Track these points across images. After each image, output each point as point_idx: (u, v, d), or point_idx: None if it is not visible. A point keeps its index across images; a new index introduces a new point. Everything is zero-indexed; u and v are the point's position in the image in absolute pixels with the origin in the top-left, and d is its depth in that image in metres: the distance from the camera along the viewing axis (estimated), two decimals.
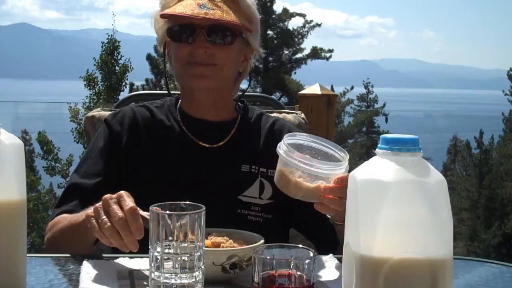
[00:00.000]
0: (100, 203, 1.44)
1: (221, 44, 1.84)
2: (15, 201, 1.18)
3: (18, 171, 1.19)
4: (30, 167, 25.71)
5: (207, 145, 1.90)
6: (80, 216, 1.59)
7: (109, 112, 2.16)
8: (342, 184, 1.47)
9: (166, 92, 2.12)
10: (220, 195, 1.79)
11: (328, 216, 1.64)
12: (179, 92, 2.02)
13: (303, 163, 1.48)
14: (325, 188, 1.48)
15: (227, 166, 1.88)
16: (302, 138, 1.57)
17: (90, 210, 1.46)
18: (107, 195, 1.44)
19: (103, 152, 1.88)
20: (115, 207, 1.39)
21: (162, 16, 1.87)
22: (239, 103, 2.04)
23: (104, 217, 1.40)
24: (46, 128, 19.99)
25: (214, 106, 1.93)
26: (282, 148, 1.51)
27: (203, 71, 1.84)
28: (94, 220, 1.43)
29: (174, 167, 1.86)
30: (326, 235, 1.84)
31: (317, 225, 1.89)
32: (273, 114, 2.34)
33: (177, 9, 1.82)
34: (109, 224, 1.38)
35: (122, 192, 1.43)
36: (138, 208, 1.38)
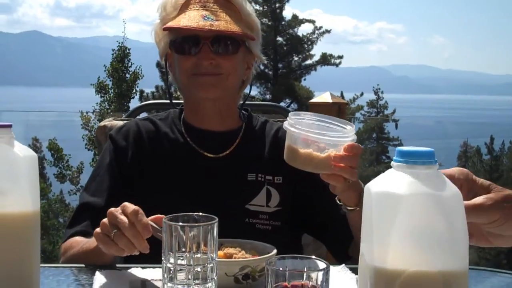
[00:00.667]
0: (106, 218, 1.44)
1: (226, 54, 1.84)
2: (29, 212, 1.19)
3: (32, 183, 1.20)
4: (41, 174, 25.78)
5: (212, 155, 1.90)
6: (92, 242, 1.59)
7: (120, 122, 2.17)
8: (352, 151, 1.49)
9: (176, 101, 2.12)
10: (227, 205, 1.78)
11: (339, 203, 1.64)
12: (182, 102, 2.02)
13: (312, 132, 1.47)
14: (335, 157, 1.48)
15: (233, 175, 1.88)
16: (307, 116, 1.55)
17: (97, 229, 1.46)
18: (111, 209, 1.44)
19: (110, 169, 1.89)
20: (122, 217, 1.40)
21: (166, 29, 1.86)
22: (243, 111, 2.04)
23: (115, 230, 1.40)
24: (57, 136, 20.08)
25: (219, 115, 1.93)
26: (288, 122, 1.51)
27: (210, 81, 1.84)
28: (105, 236, 1.43)
29: (180, 179, 1.86)
30: (340, 232, 1.83)
31: (330, 223, 1.87)
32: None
33: (182, 21, 1.82)
34: (122, 235, 1.39)
35: (124, 203, 1.44)
36: (141, 210, 1.39)
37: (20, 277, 1.19)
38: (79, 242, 1.72)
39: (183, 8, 1.87)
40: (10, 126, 1.18)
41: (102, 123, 2.29)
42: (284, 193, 1.89)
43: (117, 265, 1.56)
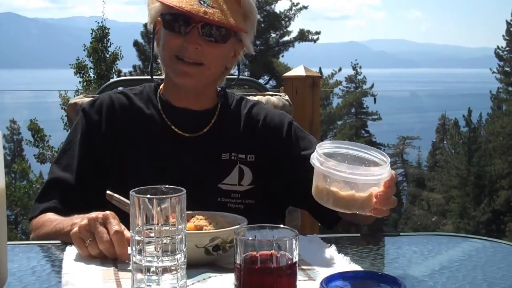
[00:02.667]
0: (86, 221, 1.42)
1: (214, 42, 1.80)
2: None
3: None
4: (20, 156, 25.64)
5: (187, 135, 1.88)
6: (65, 225, 1.57)
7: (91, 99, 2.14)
8: (392, 184, 1.45)
9: (149, 77, 2.09)
10: (200, 185, 1.77)
11: None
12: (162, 77, 1.99)
13: (355, 174, 1.37)
14: (380, 195, 1.43)
15: (208, 155, 1.87)
16: (336, 149, 1.46)
17: (75, 228, 1.44)
18: (93, 216, 1.43)
19: (82, 144, 1.86)
20: (101, 229, 1.40)
21: (161, 2, 1.80)
22: (219, 88, 2.01)
23: (91, 238, 1.40)
24: (34, 117, 19.91)
25: (196, 95, 1.90)
26: (318, 160, 1.41)
27: (189, 71, 1.81)
28: (80, 240, 1.42)
29: (154, 157, 1.84)
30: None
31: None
32: (257, 97, 2.34)
33: (175, 2, 1.75)
34: (96, 246, 1.39)
35: (108, 213, 1.43)
36: (125, 231, 1.39)
37: None
38: (52, 221, 1.70)
39: None
40: None
41: (73, 100, 2.26)
42: (257, 171, 1.88)
43: None
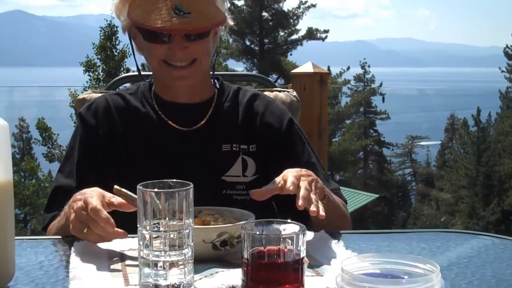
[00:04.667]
0: (73, 214, 1.44)
1: (199, 39, 1.78)
2: (1, 182, 1.17)
3: (3, 152, 1.18)
4: (29, 154, 25.72)
5: (185, 129, 1.87)
6: (61, 218, 1.61)
7: (99, 95, 2.14)
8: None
9: (147, 73, 2.08)
10: (203, 178, 1.71)
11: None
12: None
13: None
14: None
15: (208, 148, 1.86)
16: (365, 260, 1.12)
17: (71, 225, 1.45)
18: (78, 205, 1.43)
19: (82, 148, 1.87)
20: (88, 216, 1.39)
21: (135, 23, 1.78)
22: (215, 79, 1.99)
23: (86, 227, 1.41)
24: (44, 115, 19.99)
25: (191, 90, 1.89)
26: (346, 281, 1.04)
27: (183, 74, 1.80)
28: (80, 233, 1.43)
29: (154, 155, 1.84)
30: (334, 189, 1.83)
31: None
32: (264, 93, 2.33)
33: (151, 18, 1.71)
34: (92, 232, 1.40)
35: (86, 197, 1.43)
36: (99, 205, 1.39)
37: None
38: (56, 223, 1.72)
39: None
40: None
41: (81, 96, 2.26)
42: (260, 161, 1.88)
43: None
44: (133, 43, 1.93)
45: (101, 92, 2.24)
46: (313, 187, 1.51)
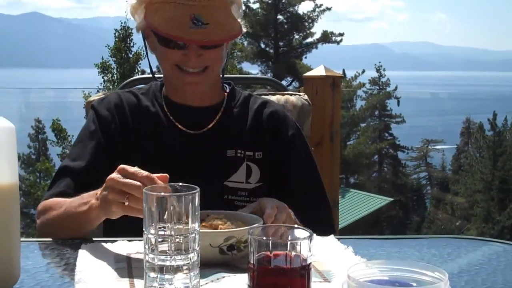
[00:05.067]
0: (109, 186, 1.40)
1: (214, 48, 1.78)
2: (7, 184, 1.16)
3: (9, 154, 1.17)
4: (44, 155, 25.88)
5: (192, 132, 1.86)
6: (78, 204, 1.55)
7: None
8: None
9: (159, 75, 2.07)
10: (206, 182, 1.69)
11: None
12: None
13: None
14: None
15: (213, 152, 1.85)
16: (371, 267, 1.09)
17: (109, 196, 1.40)
18: (112, 177, 1.40)
19: (92, 136, 1.86)
20: (129, 181, 1.36)
21: (151, 28, 1.78)
22: (226, 84, 1.99)
23: (127, 196, 1.37)
24: (59, 116, 20.10)
25: (200, 94, 1.89)
26: None
27: (195, 80, 1.79)
28: (117, 205, 1.39)
29: (159, 155, 1.83)
30: (321, 217, 1.82)
31: (300, 202, 1.81)
32: (276, 96, 2.32)
33: (168, 26, 1.71)
34: (136, 199, 1.36)
35: (122, 166, 1.40)
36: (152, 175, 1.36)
37: None
38: (60, 204, 1.66)
39: None
40: None
41: (91, 99, 2.26)
42: (265, 169, 1.86)
43: (103, 239, 1.54)
44: (146, 43, 1.93)
45: None
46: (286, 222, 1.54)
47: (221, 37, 1.76)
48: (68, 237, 1.56)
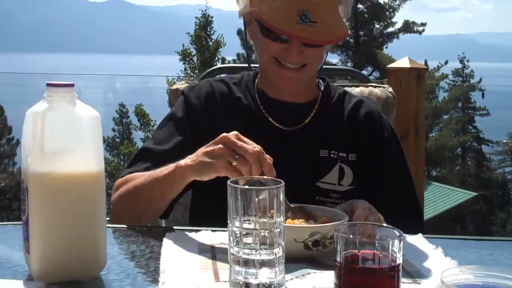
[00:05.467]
0: (220, 144, 1.43)
1: (316, 47, 1.74)
2: (94, 172, 1.18)
3: (96, 142, 1.18)
4: (128, 139, 26.61)
5: (284, 128, 1.82)
6: (162, 169, 1.57)
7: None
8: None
9: (253, 65, 2.04)
10: (297, 181, 1.64)
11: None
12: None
13: None
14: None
15: (305, 150, 1.81)
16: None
17: (218, 150, 1.44)
18: (225, 135, 1.43)
19: (178, 122, 1.83)
20: (243, 144, 1.39)
21: (256, 17, 1.73)
22: (320, 80, 1.94)
23: (237, 156, 1.39)
24: (142, 101, 20.56)
25: (296, 90, 1.85)
26: None
27: (292, 75, 1.76)
28: (224, 164, 1.41)
29: None
30: (414, 225, 1.75)
31: (405, 215, 1.78)
32: (359, 88, 2.27)
33: (273, 18, 1.66)
34: (246, 161, 1.38)
35: (235, 132, 1.43)
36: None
37: (86, 237, 1.18)
38: (139, 175, 1.67)
39: None
40: (72, 85, 1.16)
41: (174, 86, 2.27)
42: (358, 172, 1.81)
43: (187, 228, 1.54)
44: (246, 30, 1.90)
45: (194, 83, 2.23)
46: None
47: (328, 38, 1.70)
48: (143, 213, 1.58)
